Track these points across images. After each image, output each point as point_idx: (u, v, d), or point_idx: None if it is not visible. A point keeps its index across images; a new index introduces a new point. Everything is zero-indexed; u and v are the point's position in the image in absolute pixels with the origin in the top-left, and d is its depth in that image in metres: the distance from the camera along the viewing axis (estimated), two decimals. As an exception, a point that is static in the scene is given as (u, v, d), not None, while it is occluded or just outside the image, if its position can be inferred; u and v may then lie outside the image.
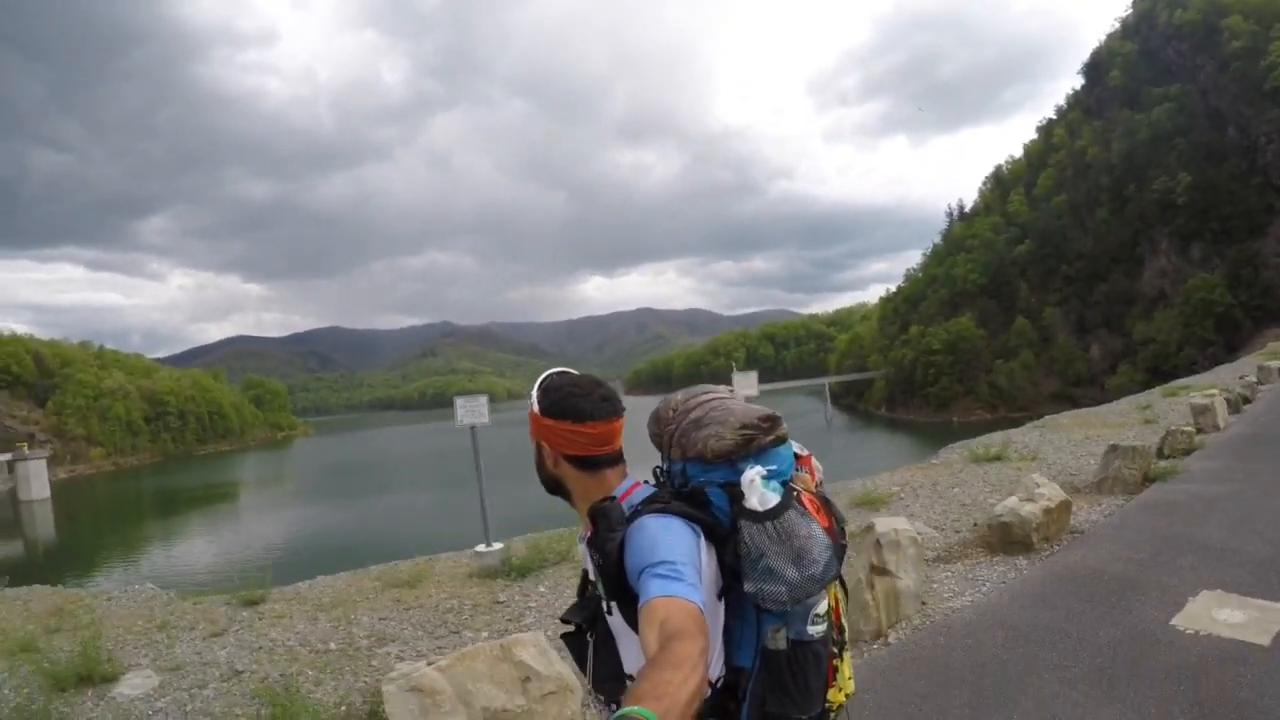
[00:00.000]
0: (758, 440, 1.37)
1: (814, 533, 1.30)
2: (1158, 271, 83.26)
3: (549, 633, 4.34)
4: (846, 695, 1.47)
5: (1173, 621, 4.12)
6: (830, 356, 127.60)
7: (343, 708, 4.35)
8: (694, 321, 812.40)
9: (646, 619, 1.12)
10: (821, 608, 1.38)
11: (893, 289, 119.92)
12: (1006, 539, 6.23)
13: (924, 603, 4.97)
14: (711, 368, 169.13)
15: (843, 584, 1.51)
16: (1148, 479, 8.18)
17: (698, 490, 1.37)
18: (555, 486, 1.49)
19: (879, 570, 4.77)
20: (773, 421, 1.40)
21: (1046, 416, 17.88)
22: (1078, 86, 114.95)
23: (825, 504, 1.43)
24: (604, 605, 1.35)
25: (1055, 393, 76.03)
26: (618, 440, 1.46)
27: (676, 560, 1.19)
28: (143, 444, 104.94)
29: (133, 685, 4.98)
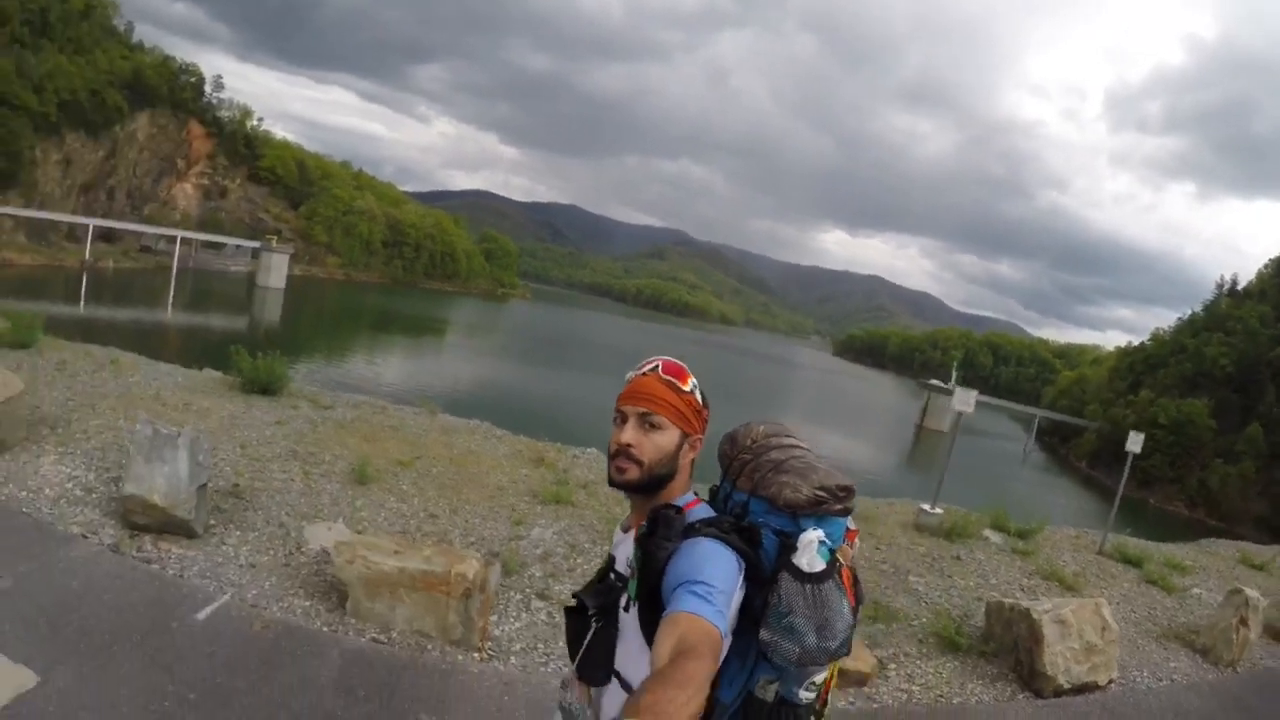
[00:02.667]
0: (828, 506, 1.40)
1: (843, 609, 1.34)
2: None
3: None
4: None
5: None
6: (1048, 389, 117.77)
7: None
8: (922, 305, 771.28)
9: (667, 628, 1.15)
10: (820, 677, 1.40)
11: (1134, 342, 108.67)
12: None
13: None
14: (926, 358, 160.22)
15: None
16: None
17: (755, 529, 1.40)
18: (660, 480, 1.45)
19: (1243, 622, 6.32)
20: (848, 493, 1.43)
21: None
22: None
23: (855, 581, 1.44)
24: (623, 599, 1.40)
25: (1261, 516, 65.13)
26: None
27: (716, 585, 1.23)
28: (375, 264, 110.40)
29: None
